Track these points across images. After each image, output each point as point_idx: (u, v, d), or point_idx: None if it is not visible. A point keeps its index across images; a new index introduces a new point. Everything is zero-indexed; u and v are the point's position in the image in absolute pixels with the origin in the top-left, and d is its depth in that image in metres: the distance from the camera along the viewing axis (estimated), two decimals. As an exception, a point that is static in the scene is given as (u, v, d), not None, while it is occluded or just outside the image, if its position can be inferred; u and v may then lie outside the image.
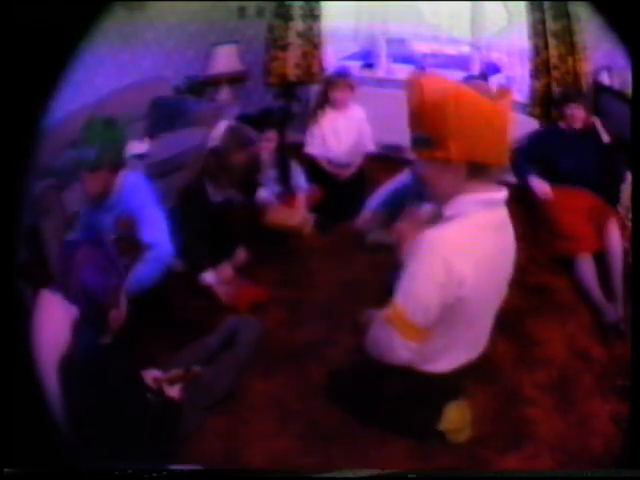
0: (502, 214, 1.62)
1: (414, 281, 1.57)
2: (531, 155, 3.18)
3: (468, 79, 3.93)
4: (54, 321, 1.67)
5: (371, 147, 3.45)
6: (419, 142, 1.56)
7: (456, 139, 1.48)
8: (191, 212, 2.64)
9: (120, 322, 1.82)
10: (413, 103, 1.54)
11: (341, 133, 3.37)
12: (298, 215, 3.00)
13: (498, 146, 1.54)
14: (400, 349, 1.63)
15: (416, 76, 1.59)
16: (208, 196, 2.70)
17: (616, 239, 2.78)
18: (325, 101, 3.35)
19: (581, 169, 3.05)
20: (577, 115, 3.12)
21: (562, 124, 3.20)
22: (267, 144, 3.05)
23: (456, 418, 1.88)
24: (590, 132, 3.15)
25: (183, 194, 2.70)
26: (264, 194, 2.99)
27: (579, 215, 2.93)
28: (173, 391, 1.95)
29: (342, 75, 3.37)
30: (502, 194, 1.59)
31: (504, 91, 1.57)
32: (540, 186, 3.09)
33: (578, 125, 3.13)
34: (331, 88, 3.31)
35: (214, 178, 2.68)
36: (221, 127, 2.64)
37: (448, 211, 1.57)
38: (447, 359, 1.74)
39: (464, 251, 1.52)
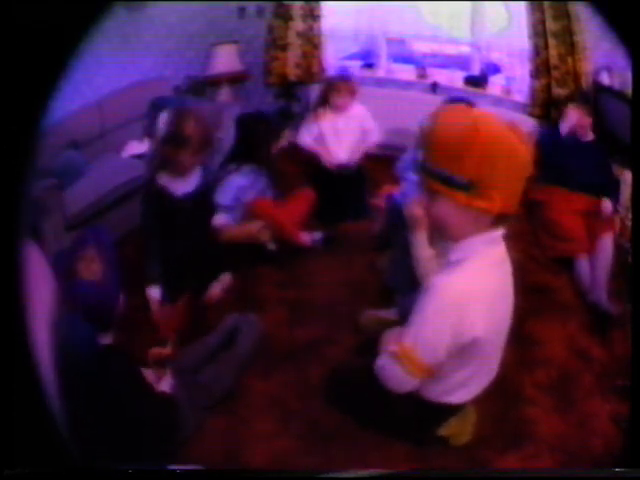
0: (502, 249, 1.62)
1: (426, 325, 1.57)
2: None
3: (468, 79, 3.96)
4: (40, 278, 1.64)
5: (376, 139, 3.38)
6: (453, 182, 1.46)
7: (502, 192, 1.45)
8: (145, 214, 2.50)
9: (121, 313, 1.83)
10: (457, 138, 1.43)
11: (341, 133, 3.33)
12: (254, 226, 2.80)
13: (519, 197, 1.52)
14: (404, 383, 1.68)
15: (468, 111, 1.51)
16: (167, 193, 2.48)
17: (607, 246, 2.80)
18: (325, 103, 3.29)
19: (580, 172, 3.04)
20: (578, 117, 3.09)
21: (563, 126, 3.17)
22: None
23: (457, 424, 1.89)
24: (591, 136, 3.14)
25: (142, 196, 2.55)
26: (222, 219, 2.78)
27: (577, 217, 2.94)
28: (164, 385, 1.94)
29: (344, 79, 3.31)
30: (502, 230, 1.57)
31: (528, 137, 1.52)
32: None
33: (580, 129, 3.10)
34: (332, 92, 3.25)
35: (171, 161, 2.42)
36: (163, 116, 2.49)
37: (454, 255, 1.57)
38: (464, 391, 1.76)
39: (475, 295, 1.52)
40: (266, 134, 2.90)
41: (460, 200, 1.47)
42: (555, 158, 3.11)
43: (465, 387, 1.75)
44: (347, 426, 1.97)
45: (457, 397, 1.77)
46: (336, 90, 3.24)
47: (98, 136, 3.46)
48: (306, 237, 3.02)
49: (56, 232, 2.85)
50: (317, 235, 3.09)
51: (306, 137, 3.35)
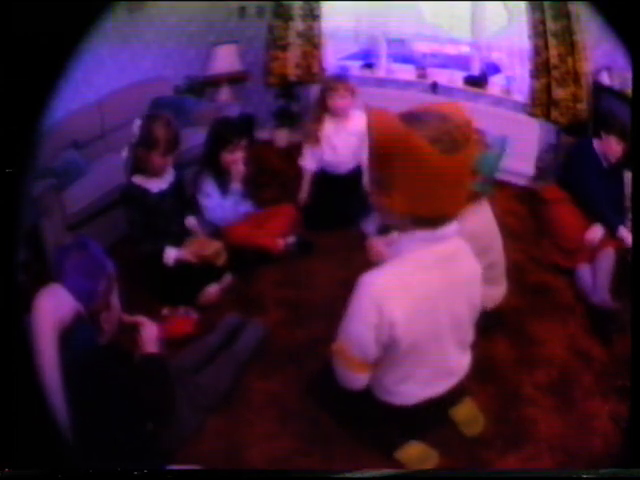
0: (449, 247, 1.55)
1: (350, 321, 1.60)
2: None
3: (468, 79, 3.96)
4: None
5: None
6: (372, 179, 1.53)
7: (400, 191, 1.42)
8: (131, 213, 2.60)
9: (114, 324, 1.81)
10: (369, 138, 1.47)
11: (339, 148, 3.27)
12: (213, 246, 2.74)
13: (449, 199, 1.46)
14: (349, 380, 1.69)
15: (372, 111, 1.48)
16: (144, 190, 2.60)
17: (609, 255, 2.77)
18: (324, 110, 3.20)
19: (597, 190, 2.98)
20: (614, 147, 2.93)
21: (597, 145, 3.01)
22: (236, 155, 2.89)
23: (413, 455, 1.86)
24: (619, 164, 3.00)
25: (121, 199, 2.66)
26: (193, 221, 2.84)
27: (581, 227, 2.91)
28: (150, 346, 1.87)
29: (341, 79, 3.22)
30: (450, 228, 1.51)
31: (472, 140, 1.42)
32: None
33: (613, 157, 2.96)
34: (330, 95, 3.15)
35: (144, 162, 2.55)
36: (137, 122, 2.57)
37: (391, 252, 1.59)
38: (406, 394, 1.72)
39: (396, 293, 1.50)
40: (220, 140, 2.88)
41: (374, 194, 1.51)
42: (579, 168, 3.02)
43: (405, 388, 1.70)
44: (347, 426, 1.97)
45: (398, 399, 1.72)
46: (334, 91, 3.14)
47: (98, 136, 3.46)
48: (280, 243, 2.99)
49: (56, 232, 2.86)
50: (291, 239, 3.04)
51: (311, 163, 3.32)
